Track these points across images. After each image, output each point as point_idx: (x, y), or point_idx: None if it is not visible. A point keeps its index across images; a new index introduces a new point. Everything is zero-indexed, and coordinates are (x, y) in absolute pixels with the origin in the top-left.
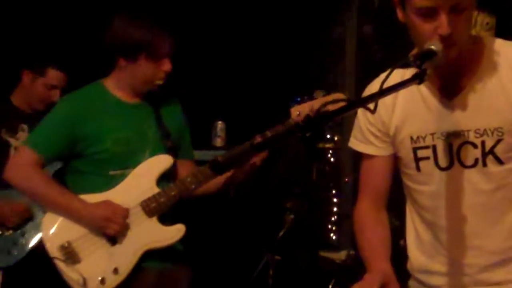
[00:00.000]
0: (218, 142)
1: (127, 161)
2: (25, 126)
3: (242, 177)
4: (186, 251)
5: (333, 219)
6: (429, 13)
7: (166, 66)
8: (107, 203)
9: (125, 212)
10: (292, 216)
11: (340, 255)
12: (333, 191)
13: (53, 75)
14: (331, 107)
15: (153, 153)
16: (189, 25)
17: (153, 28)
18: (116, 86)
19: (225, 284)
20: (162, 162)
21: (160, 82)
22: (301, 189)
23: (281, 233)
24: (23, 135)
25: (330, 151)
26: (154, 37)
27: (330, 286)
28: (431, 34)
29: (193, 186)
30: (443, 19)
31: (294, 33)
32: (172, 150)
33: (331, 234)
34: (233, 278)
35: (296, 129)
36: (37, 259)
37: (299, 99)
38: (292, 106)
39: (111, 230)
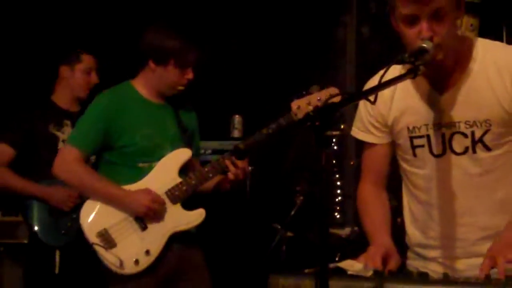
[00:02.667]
0: (236, 133)
1: (153, 154)
2: (68, 122)
3: (227, 186)
4: (198, 233)
5: (337, 199)
6: (412, 20)
7: (190, 74)
8: (147, 191)
9: (162, 200)
10: (302, 198)
11: (345, 231)
12: (337, 175)
13: (88, 59)
14: (336, 99)
15: (174, 148)
16: (210, 34)
17: (185, 40)
18: (143, 86)
19: (242, 260)
20: (182, 155)
21: (182, 88)
22: (311, 173)
23: (292, 212)
24: (67, 129)
25: (335, 139)
26: (185, 48)
27: (337, 259)
28: (415, 39)
29: (210, 175)
30: (423, 25)
31: (302, 34)
32: (189, 145)
33: (336, 213)
34: (249, 253)
35: (307, 119)
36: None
37: (298, 94)
38: (292, 100)
39: (149, 215)
